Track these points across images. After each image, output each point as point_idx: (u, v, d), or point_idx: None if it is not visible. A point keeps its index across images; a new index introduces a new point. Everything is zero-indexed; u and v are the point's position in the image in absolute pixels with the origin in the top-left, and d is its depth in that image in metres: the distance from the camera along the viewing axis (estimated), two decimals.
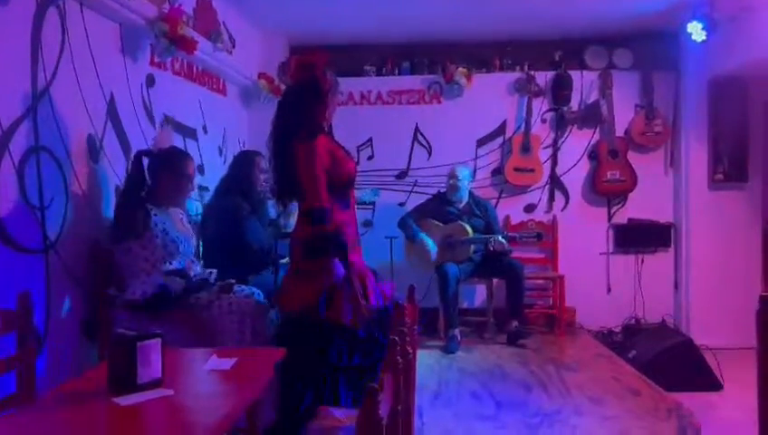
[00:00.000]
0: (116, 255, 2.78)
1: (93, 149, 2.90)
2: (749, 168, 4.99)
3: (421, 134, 5.53)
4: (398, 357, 1.50)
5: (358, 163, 5.47)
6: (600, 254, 5.39)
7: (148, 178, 2.88)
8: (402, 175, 5.52)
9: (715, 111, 4.98)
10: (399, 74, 5.53)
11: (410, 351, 1.72)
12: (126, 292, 2.71)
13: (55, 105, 2.60)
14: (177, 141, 3.75)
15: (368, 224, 5.47)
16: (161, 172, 2.87)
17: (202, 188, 4.02)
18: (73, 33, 2.73)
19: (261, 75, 4.90)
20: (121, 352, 1.71)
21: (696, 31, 4.38)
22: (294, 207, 4.42)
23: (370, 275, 2.76)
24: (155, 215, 2.81)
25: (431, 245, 4.79)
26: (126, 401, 1.64)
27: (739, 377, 3.73)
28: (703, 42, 4.42)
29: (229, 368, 1.96)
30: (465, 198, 4.92)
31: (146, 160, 2.90)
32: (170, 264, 2.81)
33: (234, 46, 4.40)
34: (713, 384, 3.88)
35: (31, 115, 2.46)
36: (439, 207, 4.95)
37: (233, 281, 2.92)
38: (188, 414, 1.65)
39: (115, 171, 3.06)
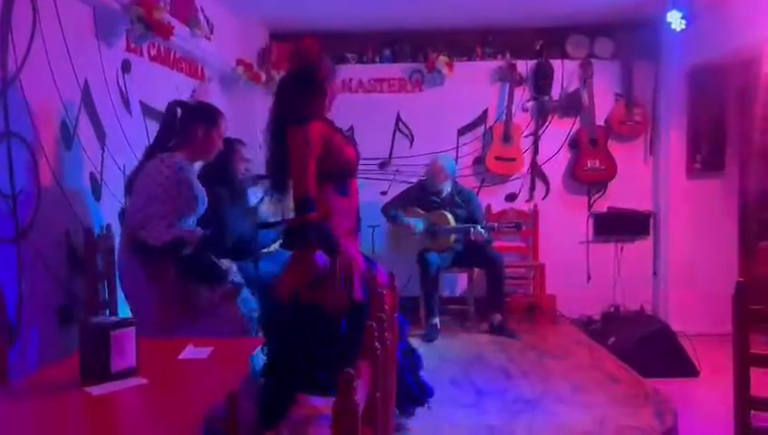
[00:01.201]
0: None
1: (67, 136, 2.83)
2: (726, 157, 5.04)
3: (403, 123, 5.50)
4: (377, 344, 1.48)
5: None
6: (581, 242, 5.43)
7: (180, 131, 2.74)
8: (384, 164, 5.49)
9: (693, 101, 5.02)
10: (381, 62, 5.49)
11: (388, 338, 1.70)
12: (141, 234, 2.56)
13: (26, 90, 2.54)
14: (154, 129, 3.68)
15: None
16: (196, 124, 2.75)
17: None
18: (45, 17, 2.66)
19: (240, 62, 4.84)
20: (94, 341, 1.68)
21: (675, 20, 4.39)
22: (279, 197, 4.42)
23: (360, 265, 2.73)
24: (187, 166, 2.67)
25: (417, 222, 4.79)
26: (99, 390, 1.61)
27: (715, 363, 3.79)
28: (682, 31, 4.43)
29: (206, 357, 1.93)
30: (448, 188, 4.92)
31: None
32: (187, 220, 2.66)
33: (212, 32, 4.33)
34: (690, 370, 3.93)
35: (0, 100, 2.39)
36: (422, 195, 4.94)
37: (241, 283, 2.84)
38: (163, 404, 1.63)
39: (89, 158, 3.00)
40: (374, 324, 1.50)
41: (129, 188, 2.72)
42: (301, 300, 2.59)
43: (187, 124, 2.75)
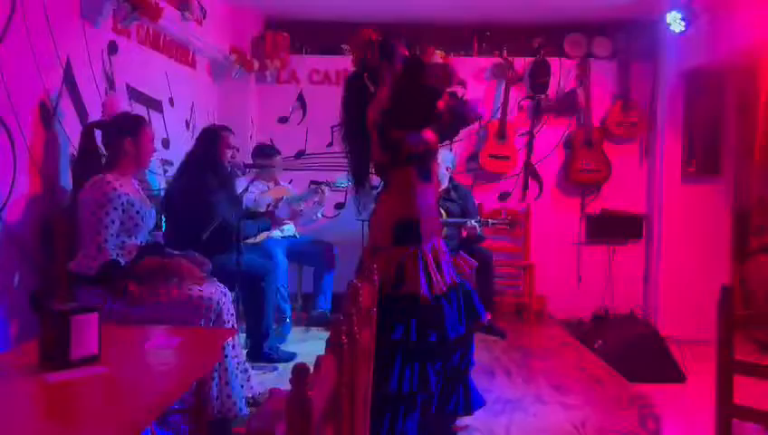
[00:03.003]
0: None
1: (46, 116, 2.77)
2: (721, 161, 4.99)
3: None
4: (344, 337, 1.42)
5: (331, 144, 5.44)
6: (573, 244, 5.38)
7: (104, 149, 2.75)
8: None
9: (690, 104, 4.96)
10: None
11: (360, 332, 1.64)
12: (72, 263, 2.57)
13: (4, 68, 2.47)
14: (141, 113, 3.62)
15: (340, 206, 5.39)
16: (122, 138, 2.69)
17: (166, 163, 3.90)
18: None
19: (233, 49, 4.77)
20: (54, 326, 1.62)
21: (674, 21, 4.34)
22: (259, 186, 4.36)
23: (445, 249, 2.71)
24: (120, 186, 2.66)
25: None
26: (56, 377, 1.56)
27: (703, 369, 3.73)
28: (681, 33, 4.39)
29: (174, 347, 1.88)
30: (446, 182, 4.86)
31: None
32: (134, 238, 2.66)
33: (204, 17, 4.26)
34: (676, 376, 3.89)
35: None
36: None
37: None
38: (123, 393, 1.57)
39: (70, 140, 2.94)
40: (341, 317, 1.44)
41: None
42: (390, 286, 2.53)
43: (113, 141, 2.70)
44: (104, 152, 2.77)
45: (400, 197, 2.63)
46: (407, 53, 2.77)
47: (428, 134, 2.66)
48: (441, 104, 2.62)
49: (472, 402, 2.73)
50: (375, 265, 2.37)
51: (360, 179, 2.83)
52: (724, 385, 1.93)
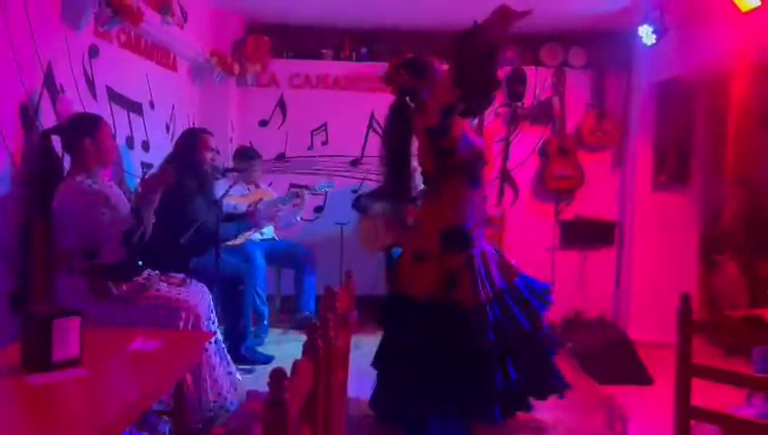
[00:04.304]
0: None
1: (27, 119, 2.78)
2: (691, 170, 5.14)
3: (377, 122, 5.50)
4: (319, 341, 1.49)
5: (311, 147, 5.49)
6: (546, 249, 5.49)
7: (68, 153, 2.76)
8: (356, 162, 5.49)
9: (662, 114, 5.10)
10: (357, 60, 5.48)
11: (336, 336, 1.71)
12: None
13: None
14: (122, 116, 3.65)
15: (319, 210, 5.44)
16: (81, 138, 2.72)
17: (146, 165, 3.92)
18: None
19: (214, 53, 4.80)
20: (36, 329, 1.65)
21: (646, 34, 4.47)
22: (239, 190, 4.39)
23: (494, 254, 2.78)
24: (93, 184, 2.69)
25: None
26: (38, 379, 1.59)
27: (669, 372, 3.85)
28: (653, 45, 4.51)
29: (153, 350, 1.92)
30: (422, 185, 4.93)
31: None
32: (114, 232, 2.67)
33: (185, 21, 4.29)
34: (644, 379, 4.00)
35: None
36: None
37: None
38: (103, 395, 1.61)
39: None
40: (316, 323, 1.50)
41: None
42: (441, 294, 2.57)
43: (73, 144, 2.73)
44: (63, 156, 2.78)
45: (449, 203, 2.69)
46: (437, 63, 2.84)
47: (478, 141, 2.75)
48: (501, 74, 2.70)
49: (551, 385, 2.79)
50: (419, 272, 2.45)
51: (400, 197, 2.91)
52: (683, 388, 2.03)
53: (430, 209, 2.76)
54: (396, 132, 2.83)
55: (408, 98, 2.82)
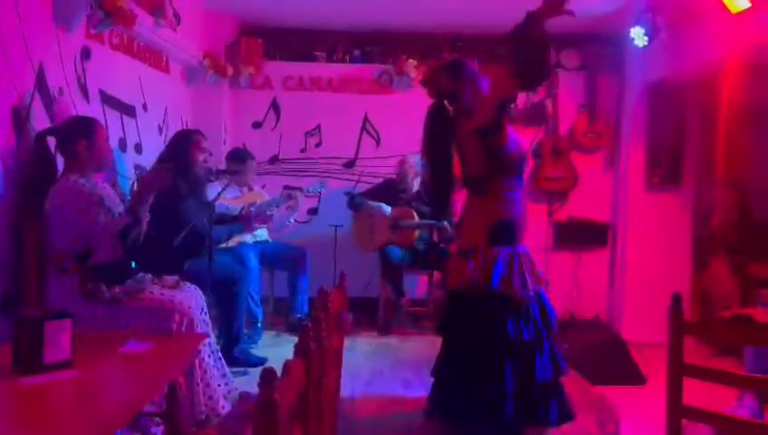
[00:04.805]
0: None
1: (18, 121, 2.77)
2: (683, 171, 5.17)
3: (370, 124, 5.51)
4: (311, 342, 1.49)
5: (305, 149, 5.49)
6: (540, 250, 5.49)
7: (61, 155, 2.76)
8: (350, 164, 5.50)
9: (654, 116, 5.12)
10: (351, 62, 5.49)
11: (328, 337, 1.71)
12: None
13: None
14: (114, 118, 3.64)
15: (312, 212, 5.44)
16: (76, 141, 2.72)
17: (139, 168, 3.91)
18: None
19: (207, 55, 4.79)
20: (27, 331, 1.65)
21: (638, 36, 4.49)
22: (232, 192, 4.38)
23: (530, 256, 2.83)
24: (87, 184, 2.69)
25: (384, 206, 4.83)
26: (29, 381, 1.59)
27: (662, 372, 3.87)
28: (645, 47, 4.54)
29: (145, 352, 1.91)
30: (416, 186, 4.95)
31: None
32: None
33: (178, 23, 4.28)
34: (637, 379, 4.02)
35: None
36: (389, 192, 4.98)
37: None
38: (94, 396, 1.61)
39: None
40: (309, 323, 1.50)
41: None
42: (485, 287, 2.62)
43: (68, 146, 2.73)
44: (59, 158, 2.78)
45: (497, 201, 2.72)
46: (475, 65, 2.86)
47: (524, 142, 2.78)
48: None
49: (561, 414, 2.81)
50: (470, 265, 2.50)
51: (443, 201, 2.92)
52: (675, 387, 2.04)
53: (477, 207, 2.79)
54: (436, 136, 2.83)
55: (446, 101, 2.82)
